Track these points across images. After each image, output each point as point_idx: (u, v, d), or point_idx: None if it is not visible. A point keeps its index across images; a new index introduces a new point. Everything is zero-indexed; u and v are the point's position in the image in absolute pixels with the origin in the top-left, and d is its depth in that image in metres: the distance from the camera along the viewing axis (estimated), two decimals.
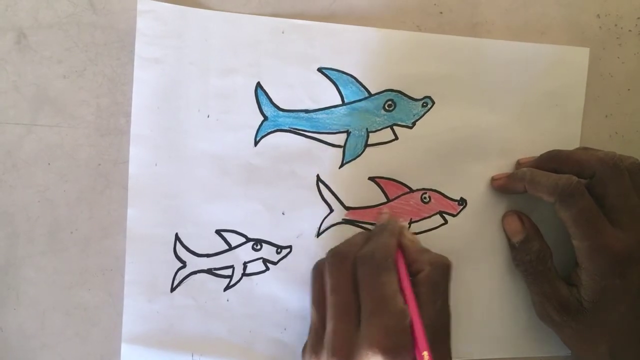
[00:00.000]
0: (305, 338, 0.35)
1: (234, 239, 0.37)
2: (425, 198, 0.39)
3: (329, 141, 0.37)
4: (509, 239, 0.39)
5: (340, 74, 0.37)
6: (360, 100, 0.37)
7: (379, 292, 0.31)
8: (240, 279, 0.37)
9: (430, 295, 0.33)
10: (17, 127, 0.36)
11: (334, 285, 0.33)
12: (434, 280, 0.33)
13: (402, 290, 0.32)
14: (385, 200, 0.38)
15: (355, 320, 0.32)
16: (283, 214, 0.37)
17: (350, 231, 0.38)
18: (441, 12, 0.39)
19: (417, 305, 0.32)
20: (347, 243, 0.35)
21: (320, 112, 0.37)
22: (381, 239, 0.34)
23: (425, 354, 0.30)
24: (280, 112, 0.37)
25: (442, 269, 0.34)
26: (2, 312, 0.37)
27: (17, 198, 0.36)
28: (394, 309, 0.31)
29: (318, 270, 0.35)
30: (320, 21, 0.38)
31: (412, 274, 0.34)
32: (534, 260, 0.37)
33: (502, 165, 0.39)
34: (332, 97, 0.37)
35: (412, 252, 0.35)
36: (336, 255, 0.34)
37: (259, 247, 0.37)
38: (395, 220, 0.36)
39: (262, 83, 0.37)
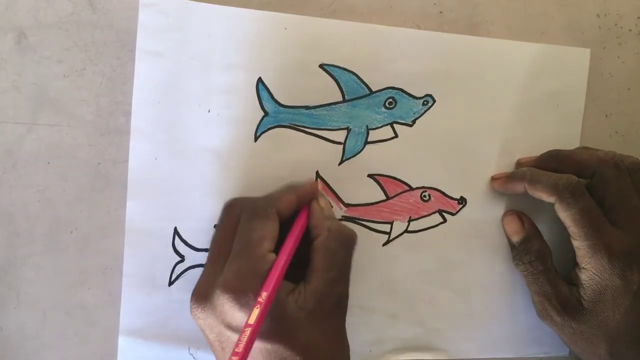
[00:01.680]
0: None
1: None
2: (424, 196, 0.39)
3: (329, 138, 0.37)
4: (508, 239, 0.39)
5: (342, 70, 0.37)
6: (361, 98, 0.37)
7: (247, 236, 0.32)
8: None
9: (323, 263, 0.32)
10: (17, 127, 0.36)
11: (216, 229, 0.34)
12: (329, 247, 0.32)
13: (285, 242, 0.32)
14: (384, 197, 0.38)
15: (224, 264, 0.32)
16: None
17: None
18: (441, 12, 0.39)
19: (290, 254, 0.32)
20: (243, 198, 0.35)
21: (321, 108, 0.37)
22: (278, 192, 0.34)
23: (265, 294, 0.29)
24: (281, 108, 0.37)
25: (342, 238, 0.33)
26: (2, 312, 0.37)
27: (17, 198, 0.36)
28: (254, 253, 0.31)
29: None
30: None
31: (312, 239, 0.33)
32: (533, 260, 0.37)
33: (502, 165, 0.39)
34: (333, 93, 0.37)
35: (317, 217, 0.34)
36: (225, 207, 0.35)
37: None
38: (308, 184, 0.36)
39: (263, 78, 0.37)
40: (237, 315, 0.30)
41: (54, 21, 0.36)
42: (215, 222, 0.37)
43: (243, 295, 0.30)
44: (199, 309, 0.31)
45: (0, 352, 0.37)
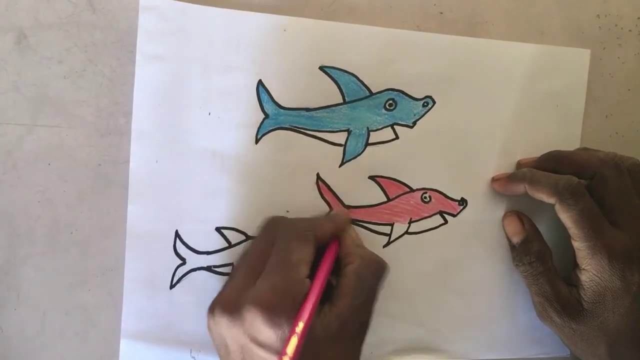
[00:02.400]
0: None
1: (234, 237, 0.37)
2: (425, 198, 0.39)
3: (329, 140, 0.37)
4: (508, 239, 0.39)
5: (342, 72, 0.37)
6: (361, 99, 0.37)
7: (285, 256, 0.32)
8: None
9: (353, 289, 0.32)
10: (17, 127, 0.36)
11: (252, 244, 0.34)
12: (361, 274, 0.33)
13: (318, 271, 0.32)
14: (385, 199, 0.38)
15: (256, 278, 0.32)
16: (288, 211, 0.37)
17: None
18: (441, 12, 0.39)
19: (323, 284, 0.32)
20: (285, 217, 0.36)
21: (321, 110, 0.37)
22: (317, 218, 0.35)
23: (302, 324, 0.29)
24: (281, 110, 0.37)
25: (373, 267, 0.34)
26: (2, 312, 0.37)
27: (17, 198, 0.36)
28: (291, 276, 0.31)
29: None
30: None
31: (344, 266, 0.34)
32: (533, 261, 0.37)
33: (503, 166, 0.39)
34: (333, 95, 0.37)
35: (349, 245, 0.35)
36: (265, 221, 0.35)
37: None
38: (344, 213, 0.37)
39: (263, 81, 0.37)
40: (266, 332, 0.30)
41: (54, 22, 0.36)
42: (217, 224, 0.37)
43: (276, 314, 0.30)
44: (225, 318, 0.31)
45: (0, 352, 0.37)
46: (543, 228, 0.39)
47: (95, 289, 0.37)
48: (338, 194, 0.38)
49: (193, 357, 0.37)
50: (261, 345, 0.30)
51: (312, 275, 0.32)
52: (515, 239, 0.38)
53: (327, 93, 0.37)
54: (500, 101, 0.39)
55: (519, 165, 0.39)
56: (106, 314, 0.37)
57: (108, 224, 0.37)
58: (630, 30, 0.41)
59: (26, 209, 0.36)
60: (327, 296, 0.32)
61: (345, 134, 0.38)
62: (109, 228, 0.37)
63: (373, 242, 0.38)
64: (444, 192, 0.39)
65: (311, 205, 0.37)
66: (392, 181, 0.38)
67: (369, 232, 0.38)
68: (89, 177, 0.37)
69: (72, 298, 0.37)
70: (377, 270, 0.34)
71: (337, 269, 0.34)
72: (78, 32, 0.36)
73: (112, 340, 0.37)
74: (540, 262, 0.37)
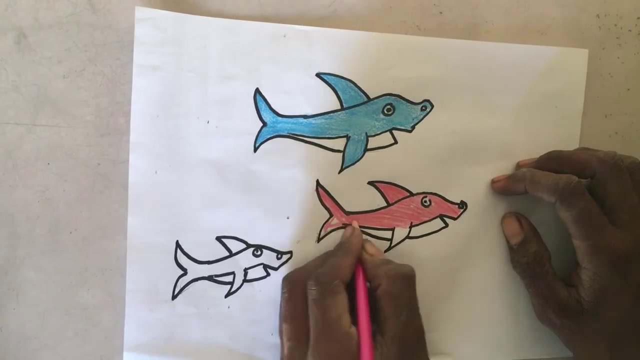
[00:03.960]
0: None
1: (235, 246, 0.37)
2: (425, 202, 0.39)
3: (328, 146, 0.37)
4: (507, 241, 0.39)
5: (339, 78, 0.37)
6: (359, 105, 0.37)
7: (323, 316, 0.32)
8: (242, 285, 0.37)
9: (392, 309, 0.33)
10: (17, 127, 0.36)
11: (285, 313, 0.34)
12: (392, 293, 0.33)
13: (357, 309, 0.33)
14: (385, 204, 0.38)
15: (306, 347, 0.32)
16: (288, 218, 0.37)
17: None
18: (441, 12, 0.39)
19: (370, 325, 0.32)
20: (301, 268, 0.35)
21: (319, 117, 0.37)
22: (333, 260, 0.34)
23: None
24: (279, 118, 0.37)
25: (402, 281, 0.34)
26: (2, 312, 0.37)
27: (17, 198, 0.36)
28: (338, 333, 0.31)
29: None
30: (320, 21, 0.38)
31: (374, 289, 0.34)
32: (530, 262, 0.37)
33: (502, 168, 0.39)
34: (331, 102, 0.37)
35: (371, 267, 0.35)
36: (288, 283, 0.34)
37: (259, 253, 0.37)
38: (356, 237, 0.37)
39: (261, 89, 0.37)
40: None
41: (54, 21, 0.36)
42: (217, 233, 0.37)
43: None
44: None
45: (0, 352, 0.37)
46: (543, 229, 0.39)
47: (95, 289, 0.37)
48: (338, 200, 0.38)
49: None
50: None
51: (354, 311, 0.33)
52: (514, 240, 0.38)
53: (325, 100, 0.37)
54: (498, 103, 0.39)
55: (519, 166, 0.39)
56: (106, 314, 0.37)
57: (108, 223, 0.37)
58: (630, 30, 0.41)
59: (26, 209, 0.37)
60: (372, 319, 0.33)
61: (344, 140, 0.38)
62: (108, 228, 0.37)
63: None
64: (444, 195, 0.39)
65: (311, 211, 0.37)
66: (391, 186, 0.38)
67: (370, 237, 0.38)
68: (89, 176, 0.37)
69: (71, 298, 0.37)
70: (406, 281, 0.34)
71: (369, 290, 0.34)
72: (78, 32, 0.36)
73: (111, 340, 0.37)
74: (537, 263, 0.37)
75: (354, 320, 0.33)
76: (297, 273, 0.35)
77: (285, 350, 0.33)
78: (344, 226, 0.38)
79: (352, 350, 0.31)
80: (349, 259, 0.35)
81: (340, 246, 0.36)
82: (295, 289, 0.34)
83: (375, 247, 0.37)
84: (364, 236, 0.38)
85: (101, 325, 0.37)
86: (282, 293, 0.34)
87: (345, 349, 0.31)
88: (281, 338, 0.34)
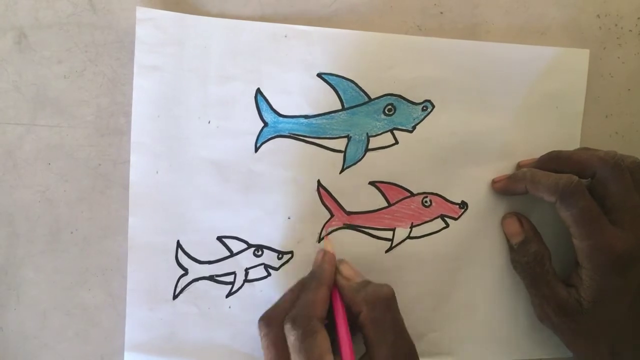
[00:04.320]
0: None
1: (236, 246, 0.37)
2: (426, 202, 0.39)
3: (329, 146, 0.37)
4: (508, 241, 0.39)
5: (340, 79, 0.37)
6: (360, 105, 0.37)
7: (304, 356, 0.31)
8: (242, 285, 0.37)
9: (378, 335, 0.32)
10: (17, 127, 0.36)
11: (266, 351, 0.33)
12: (374, 318, 0.32)
13: (338, 339, 0.32)
14: (386, 204, 0.38)
15: None
16: (289, 218, 0.37)
17: (351, 236, 0.38)
18: (441, 12, 0.39)
19: (353, 355, 0.32)
20: (276, 306, 0.34)
21: (320, 117, 0.37)
22: (307, 296, 0.33)
23: None
24: (280, 118, 0.37)
25: (382, 304, 0.33)
26: (2, 312, 0.37)
27: (17, 198, 0.36)
28: None
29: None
30: (321, 21, 0.38)
31: (355, 316, 0.33)
32: (531, 262, 0.37)
33: (503, 168, 0.39)
34: (332, 102, 0.37)
35: (348, 293, 0.34)
36: (265, 326, 0.33)
37: (260, 253, 0.37)
38: (327, 263, 0.35)
39: (261, 89, 0.37)
40: None
41: (54, 22, 0.36)
42: (218, 233, 0.37)
43: None
44: None
45: (0, 352, 0.37)
46: (543, 229, 0.39)
47: (95, 289, 0.37)
48: (339, 200, 0.38)
49: None
50: None
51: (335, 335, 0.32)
52: (514, 240, 0.38)
53: (326, 100, 0.37)
54: (499, 103, 0.39)
55: (519, 166, 0.39)
56: (106, 314, 0.37)
57: (108, 223, 0.37)
58: (630, 30, 0.41)
59: (26, 209, 0.37)
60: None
61: (345, 140, 0.38)
62: (109, 228, 0.37)
63: (375, 248, 0.38)
64: (445, 195, 0.39)
65: (312, 212, 0.37)
66: (392, 186, 0.38)
67: (371, 237, 0.38)
68: (89, 176, 0.37)
69: (72, 298, 0.37)
70: (386, 304, 0.33)
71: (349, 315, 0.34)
72: (78, 32, 0.36)
73: (112, 340, 0.37)
74: (537, 263, 0.37)
75: (337, 349, 0.32)
76: (272, 313, 0.34)
77: None
78: (345, 226, 0.38)
79: None
80: (322, 291, 0.34)
81: (313, 276, 0.35)
82: (273, 333, 0.33)
83: (352, 267, 0.36)
84: (339, 257, 0.37)
85: (101, 325, 0.37)
86: (260, 337, 0.33)
87: None
88: None
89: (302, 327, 0.31)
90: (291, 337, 0.32)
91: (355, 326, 0.33)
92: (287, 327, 0.32)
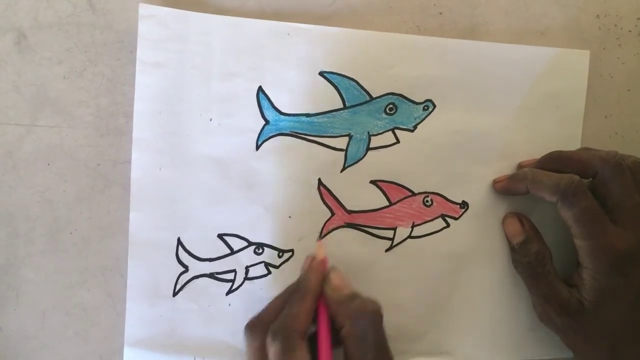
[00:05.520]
0: None
1: (236, 243, 0.37)
2: (427, 201, 0.39)
3: (330, 145, 0.37)
4: (508, 241, 0.39)
5: (342, 77, 0.37)
6: (361, 104, 0.37)
7: None
8: (242, 283, 0.37)
9: (358, 351, 0.31)
10: (17, 128, 0.36)
11: (249, 357, 0.33)
12: (356, 334, 0.31)
13: (319, 350, 0.32)
14: (387, 203, 0.38)
15: None
16: (290, 217, 0.37)
17: (352, 235, 0.38)
18: (441, 13, 0.39)
19: None
20: (259, 316, 0.34)
21: (322, 115, 0.37)
22: (291, 308, 0.32)
23: None
24: (282, 116, 0.37)
25: (366, 320, 0.32)
26: (2, 312, 0.37)
27: (17, 198, 0.36)
28: None
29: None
30: (320, 21, 0.38)
31: (338, 329, 0.32)
32: (532, 262, 0.37)
33: (504, 168, 0.39)
34: (333, 100, 0.37)
35: (333, 304, 0.33)
36: (248, 335, 0.33)
37: (260, 251, 0.37)
38: (313, 272, 0.34)
39: (263, 87, 0.37)
40: None
41: (53, 22, 0.36)
42: (219, 231, 0.37)
43: None
44: None
45: (0, 352, 0.37)
46: (544, 229, 0.39)
47: (95, 289, 0.37)
48: (340, 199, 0.38)
49: None
50: None
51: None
52: (515, 240, 0.38)
53: (328, 98, 0.37)
54: (500, 103, 0.39)
55: (520, 167, 0.39)
56: (106, 314, 0.37)
57: (108, 223, 0.37)
58: (630, 31, 0.41)
59: (26, 209, 0.37)
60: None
61: (346, 138, 0.38)
62: (108, 228, 0.37)
63: (375, 247, 0.38)
64: (446, 195, 0.39)
65: (313, 210, 0.37)
66: (393, 185, 0.38)
67: (372, 236, 0.38)
68: (89, 177, 0.37)
69: (71, 298, 0.37)
70: (371, 319, 0.32)
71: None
72: (78, 32, 0.36)
73: (111, 340, 0.37)
74: (538, 263, 0.37)
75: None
76: (256, 321, 0.33)
77: None
78: (346, 225, 0.38)
79: None
80: (306, 304, 0.33)
81: (299, 285, 0.34)
82: (256, 343, 0.32)
83: (341, 277, 0.34)
84: (330, 264, 0.35)
85: (101, 325, 0.37)
86: (245, 345, 0.33)
87: None
88: None
89: (282, 341, 0.31)
90: (271, 350, 0.31)
91: (337, 339, 0.32)
92: (269, 341, 0.31)
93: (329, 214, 0.38)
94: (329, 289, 0.33)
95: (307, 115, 0.37)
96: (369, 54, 0.37)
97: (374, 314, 0.32)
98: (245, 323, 0.36)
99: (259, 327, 0.33)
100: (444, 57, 0.38)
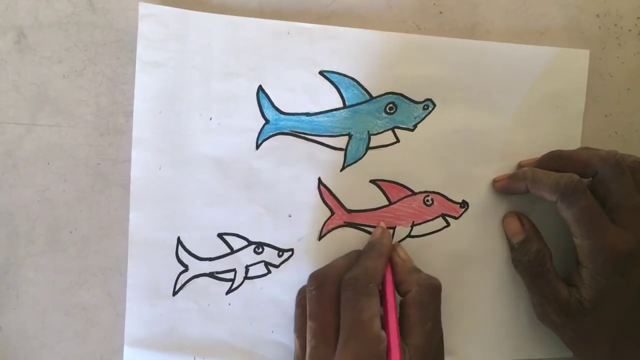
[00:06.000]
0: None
1: (236, 243, 0.37)
2: (427, 201, 0.39)
3: (330, 144, 0.37)
4: (508, 240, 0.39)
5: (342, 77, 0.37)
6: (361, 103, 0.37)
7: (357, 317, 0.32)
8: (242, 282, 0.37)
9: (419, 317, 0.33)
10: (17, 127, 0.36)
11: (313, 310, 0.33)
12: (422, 301, 0.34)
13: (385, 313, 0.33)
14: (387, 203, 0.38)
15: (333, 345, 0.32)
16: (290, 216, 0.37)
17: (352, 234, 0.38)
18: (441, 12, 0.39)
19: (398, 329, 0.32)
20: (329, 266, 0.35)
21: (322, 115, 0.37)
22: (367, 262, 0.34)
23: None
24: (282, 116, 0.37)
25: (431, 290, 0.34)
26: (2, 312, 0.37)
27: (17, 198, 0.36)
28: (368, 335, 0.31)
29: (300, 297, 0.36)
30: (319, 20, 0.38)
31: (401, 294, 0.34)
32: (532, 261, 0.37)
33: (504, 168, 0.39)
34: (333, 100, 0.37)
35: (401, 271, 0.35)
36: (316, 280, 0.34)
37: (260, 250, 0.37)
38: (387, 238, 0.37)
39: (263, 86, 0.37)
40: None
41: (53, 21, 0.36)
42: (219, 230, 0.37)
43: None
44: None
45: (0, 352, 0.37)
46: (544, 228, 0.39)
47: (94, 288, 0.37)
48: (340, 198, 0.38)
49: None
50: None
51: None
52: (515, 239, 0.38)
53: (328, 98, 0.37)
54: (500, 103, 0.39)
55: (520, 166, 0.39)
56: (106, 314, 0.37)
57: (107, 223, 0.37)
58: (630, 30, 0.41)
59: (26, 209, 0.36)
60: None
61: (346, 138, 0.38)
62: (108, 227, 0.37)
63: None
64: (446, 194, 0.39)
65: (313, 209, 0.37)
66: (393, 184, 0.38)
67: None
68: (89, 176, 0.37)
69: (71, 297, 0.37)
70: (435, 292, 0.35)
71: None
72: (78, 32, 0.36)
73: (111, 340, 0.37)
74: (538, 262, 0.37)
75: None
76: (326, 271, 0.35)
77: (308, 349, 0.33)
78: (346, 225, 0.38)
79: (380, 354, 0.31)
80: (382, 261, 0.35)
81: (372, 247, 0.36)
82: (325, 287, 0.34)
83: (406, 252, 0.37)
84: (395, 240, 0.38)
85: (101, 325, 0.37)
86: (309, 290, 0.34)
87: (374, 351, 0.31)
88: (299, 337, 0.34)
89: (361, 288, 0.33)
90: (349, 292, 0.33)
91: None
92: (346, 284, 0.33)
93: (329, 213, 0.38)
94: (398, 257, 0.36)
95: (307, 114, 0.37)
96: (369, 54, 0.37)
97: (438, 288, 0.35)
98: (245, 323, 0.37)
99: (329, 275, 0.34)
100: (444, 57, 0.38)
